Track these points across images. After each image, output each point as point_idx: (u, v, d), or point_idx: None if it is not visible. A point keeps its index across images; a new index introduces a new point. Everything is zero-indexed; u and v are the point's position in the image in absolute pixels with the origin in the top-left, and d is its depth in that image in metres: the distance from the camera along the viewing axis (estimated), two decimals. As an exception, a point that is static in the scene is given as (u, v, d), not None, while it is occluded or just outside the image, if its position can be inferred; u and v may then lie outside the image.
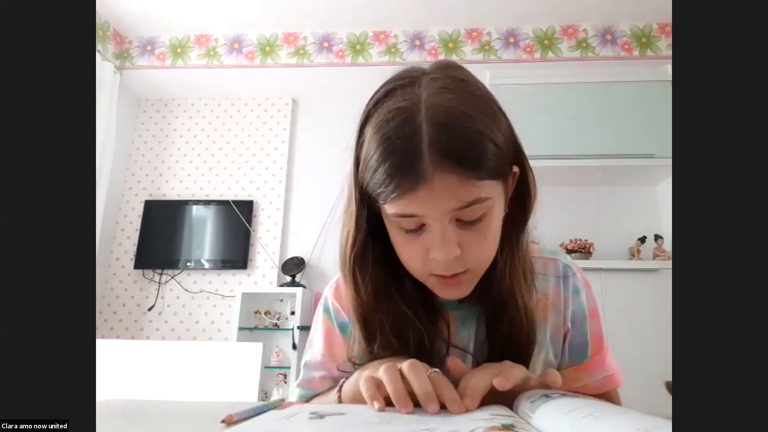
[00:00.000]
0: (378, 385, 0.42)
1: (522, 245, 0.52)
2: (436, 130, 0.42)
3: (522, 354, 0.51)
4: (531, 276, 0.54)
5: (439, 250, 0.45)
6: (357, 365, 0.53)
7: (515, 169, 0.50)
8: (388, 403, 0.40)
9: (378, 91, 0.48)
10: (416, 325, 0.52)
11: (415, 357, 0.46)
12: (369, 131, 0.46)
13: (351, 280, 0.52)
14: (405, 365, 0.42)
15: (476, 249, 0.47)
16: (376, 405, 0.40)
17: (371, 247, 0.51)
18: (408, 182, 0.42)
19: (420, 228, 0.46)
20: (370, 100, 0.48)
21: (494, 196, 0.45)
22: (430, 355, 0.52)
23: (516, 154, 0.50)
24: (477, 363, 0.53)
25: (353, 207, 0.50)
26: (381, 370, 0.42)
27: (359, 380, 0.44)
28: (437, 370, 0.42)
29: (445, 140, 0.41)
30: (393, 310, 0.52)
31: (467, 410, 0.39)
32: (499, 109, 0.48)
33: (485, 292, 0.52)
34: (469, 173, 0.42)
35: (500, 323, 0.52)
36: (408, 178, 0.42)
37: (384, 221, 0.49)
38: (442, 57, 2.82)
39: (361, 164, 0.47)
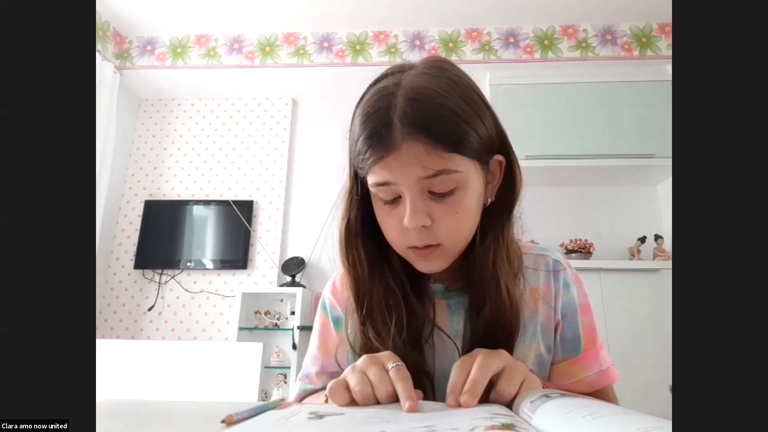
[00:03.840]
0: (346, 388, 0.43)
1: (507, 232, 0.54)
2: (408, 104, 0.46)
3: (505, 340, 0.52)
4: (518, 263, 0.55)
5: (409, 217, 0.47)
6: (356, 352, 0.55)
7: (498, 158, 0.52)
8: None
9: (373, 80, 0.53)
10: (404, 303, 0.53)
11: (403, 337, 0.50)
12: (357, 111, 0.51)
13: (346, 251, 0.55)
14: (371, 369, 0.43)
15: (447, 222, 0.49)
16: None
17: (364, 222, 0.54)
18: (380, 149, 0.46)
19: (397, 199, 0.49)
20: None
21: (466, 172, 0.48)
22: (418, 336, 0.53)
23: (501, 145, 0.52)
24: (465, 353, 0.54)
25: (349, 183, 0.54)
26: (347, 373, 0.44)
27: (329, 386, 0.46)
28: (400, 363, 0.44)
29: (414, 112, 0.45)
30: (384, 285, 0.54)
31: (464, 406, 0.39)
32: (482, 99, 0.51)
33: (470, 278, 0.54)
34: (436, 143, 0.45)
35: (483, 309, 0.52)
36: (380, 145, 0.46)
37: (371, 198, 0.52)
38: (442, 57, 2.82)
39: (350, 140, 0.51)
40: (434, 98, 0.46)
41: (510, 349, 0.51)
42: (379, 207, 0.52)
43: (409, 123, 0.45)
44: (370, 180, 0.49)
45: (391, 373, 0.42)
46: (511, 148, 0.54)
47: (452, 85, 0.48)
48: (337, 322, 0.62)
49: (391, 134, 0.45)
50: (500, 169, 0.53)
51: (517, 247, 0.56)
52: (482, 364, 0.43)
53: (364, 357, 0.46)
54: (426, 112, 0.45)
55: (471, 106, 0.48)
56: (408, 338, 0.52)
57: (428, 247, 0.50)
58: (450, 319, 0.56)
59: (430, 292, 0.57)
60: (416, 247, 0.50)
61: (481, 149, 0.48)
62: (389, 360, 0.44)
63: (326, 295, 0.65)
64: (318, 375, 0.63)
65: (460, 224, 0.50)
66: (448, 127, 0.45)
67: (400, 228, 0.49)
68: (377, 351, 0.48)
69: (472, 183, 0.49)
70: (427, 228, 0.48)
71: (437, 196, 0.48)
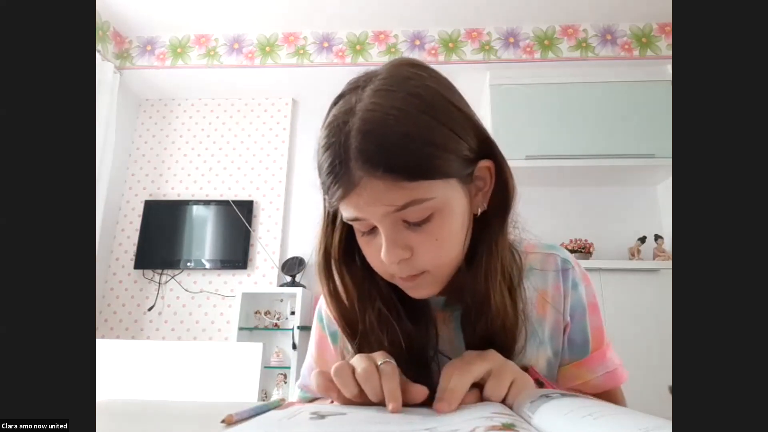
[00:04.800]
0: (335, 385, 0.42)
1: (501, 244, 0.50)
2: (361, 137, 0.41)
3: (504, 352, 0.49)
4: (517, 272, 0.52)
5: (385, 253, 0.45)
6: None
7: (485, 163, 0.48)
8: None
9: (335, 98, 0.49)
10: (397, 326, 0.51)
11: (404, 360, 0.46)
12: (319, 136, 0.47)
13: (326, 282, 0.53)
14: (359, 367, 0.42)
15: (428, 250, 0.45)
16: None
17: (346, 249, 0.52)
18: (341, 187, 0.43)
19: (374, 229, 0.46)
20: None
21: (441, 195, 0.44)
22: (420, 357, 0.51)
23: (485, 150, 0.48)
24: None
25: (324, 212, 0.52)
26: (333, 371, 0.43)
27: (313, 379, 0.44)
28: (388, 360, 0.42)
29: (366, 145, 0.41)
30: (376, 311, 0.52)
31: (438, 412, 0.39)
32: (455, 106, 0.46)
33: (463, 293, 0.51)
34: (395, 176, 0.41)
35: (478, 324, 0.50)
36: (339, 184, 0.43)
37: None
38: (442, 57, 2.82)
39: (317, 166, 0.47)
40: (388, 125, 0.41)
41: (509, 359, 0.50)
42: (358, 237, 0.49)
43: (363, 159, 0.41)
44: (342, 214, 0.46)
45: (382, 368, 0.42)
46: (499, 152, 0.49)
47: (411, 100, 0.43)
48: (334, 336, 0.61)
49: (348, 172, 0.42)
50: (490, 174, 0.49)
51: (517, 253, 0.53)
52: (462, 370, 0.42)
53: (356, 356, 0.45)
54: (380, 144, 0.41)
55: (439, 120, 0.43)
56: (410, 360, 0.49)
57: (414, 276, 0.47)
58: (457, 334, 0.54)
59: (431, 307, 0.55)
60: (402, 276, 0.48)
61: (457, 166, 0.44)
62: (380, 357, 0.43)
63: (323, 307, 0.63)
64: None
65: (442, 250, 0.46)
66: (409, 155, 0.41)
67: (380, 258, 0.46)
68: None
69: (452, 204, 0.45)
70: (407, 260, 0.45)
71: (413, 224, 0.44)
